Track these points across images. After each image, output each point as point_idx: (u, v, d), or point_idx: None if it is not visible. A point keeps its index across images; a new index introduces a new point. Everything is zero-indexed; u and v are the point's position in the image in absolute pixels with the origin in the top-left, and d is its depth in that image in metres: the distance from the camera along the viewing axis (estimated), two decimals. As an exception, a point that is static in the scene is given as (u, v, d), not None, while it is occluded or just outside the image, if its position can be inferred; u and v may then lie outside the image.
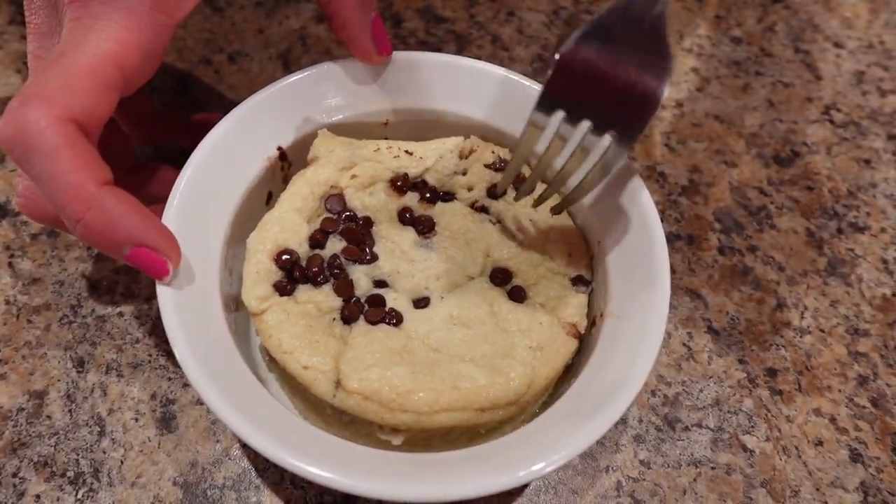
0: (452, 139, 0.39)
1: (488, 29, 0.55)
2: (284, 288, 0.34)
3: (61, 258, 0.43)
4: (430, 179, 0.38)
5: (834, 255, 0.46)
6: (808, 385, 0.41)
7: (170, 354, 0.40)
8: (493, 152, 0.39)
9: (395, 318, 0.34)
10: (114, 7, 0.31)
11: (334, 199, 0.36)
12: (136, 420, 0.38)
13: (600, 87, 0.30)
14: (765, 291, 0.44)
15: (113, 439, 0.37)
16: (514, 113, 0.38)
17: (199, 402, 0.38)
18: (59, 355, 0.40)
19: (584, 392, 0.31)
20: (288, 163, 0.39)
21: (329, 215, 0.36)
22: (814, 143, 0.51)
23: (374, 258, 0.35)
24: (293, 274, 0.34)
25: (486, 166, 0.38)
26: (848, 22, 0.57)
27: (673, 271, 0.44)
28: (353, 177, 0.37)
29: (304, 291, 0.34)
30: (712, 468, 0.38)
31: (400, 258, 0.35)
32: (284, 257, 0.34)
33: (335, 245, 0.35)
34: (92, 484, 0.36)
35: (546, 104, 0.31)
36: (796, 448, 0.39)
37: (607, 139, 0.31)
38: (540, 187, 0.36)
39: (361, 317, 0.34)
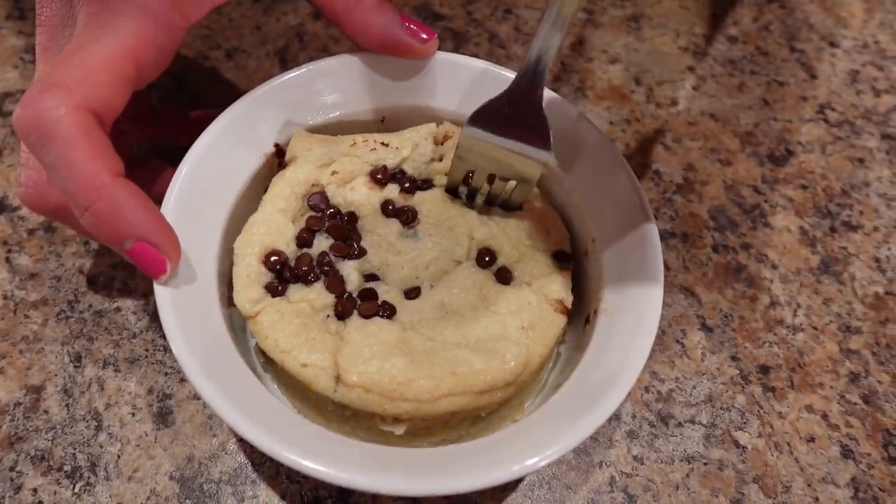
0: (426, 126, 0.39)
1: (485, 27, 0.55)
2: (276, 289, 0.34)
3: (59, 253, 0.43)
4: (408, 169, 0.38)
5: (827, 254, 0.46)
6: (800, 382, 0.41)
7: (167, 349, 0.40)
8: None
9: (389, 311, 0.34)
10: (132, 5, 0.31)
11: (317, 197, 0.37)
12: (133, 415, 0.38)
13: (496, 162, 0.35)
14: (758, 289, 0.44)
15: (110, 434, 0.37)
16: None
17: (196, 397, 0.39)
18: (56, 350, 0.40)
19: (579, 388, 0.32)
20: (284, 159, 0.39)
21: (313, 213, 0.36)
22: (808, 142, 0.51)
23: (363, 252, 0.36)
24: (283, 274, 0.34)
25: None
26: (843, 21, 0.58)
27: (667, 269, 0.45)
28: (334, 173, 0.37)
29: (295, 291, 0.34)
30: (705, 464, 0.38)
31: (387, 250, 0.36)
32: (273, 258, 0.34)
33: (322, 243, 0.36)
34: (89, 478, 0.36)
35: (459, 161, 0.36)
36: (788, 444, 0.39)
37: (529, 147, 0.35)
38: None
39: (355, 312, 0.34)
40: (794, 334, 0.43)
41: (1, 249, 0.43)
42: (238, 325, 0.34)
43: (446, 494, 0.28)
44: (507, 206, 0.38)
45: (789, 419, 0.40)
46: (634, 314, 0.32)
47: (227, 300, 0.35)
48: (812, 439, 0.39)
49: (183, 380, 0.39)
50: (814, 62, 0.55)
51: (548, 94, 0.39)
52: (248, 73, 0.51)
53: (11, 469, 0.36)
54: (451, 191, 0.38)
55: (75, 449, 0.37)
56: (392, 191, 0.37)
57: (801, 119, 0.52)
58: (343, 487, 0.36)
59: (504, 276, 0.36)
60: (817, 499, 0.37)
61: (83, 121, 0.29)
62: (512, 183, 0.36)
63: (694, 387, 0.41)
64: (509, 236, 0.37)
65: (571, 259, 0.37)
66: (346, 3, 0.36)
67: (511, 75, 0.39)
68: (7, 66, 0.50)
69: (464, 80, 0.39)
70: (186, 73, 0.51)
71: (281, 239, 0.35)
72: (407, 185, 0.37)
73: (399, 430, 0.33)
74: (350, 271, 0.35)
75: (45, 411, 0.38)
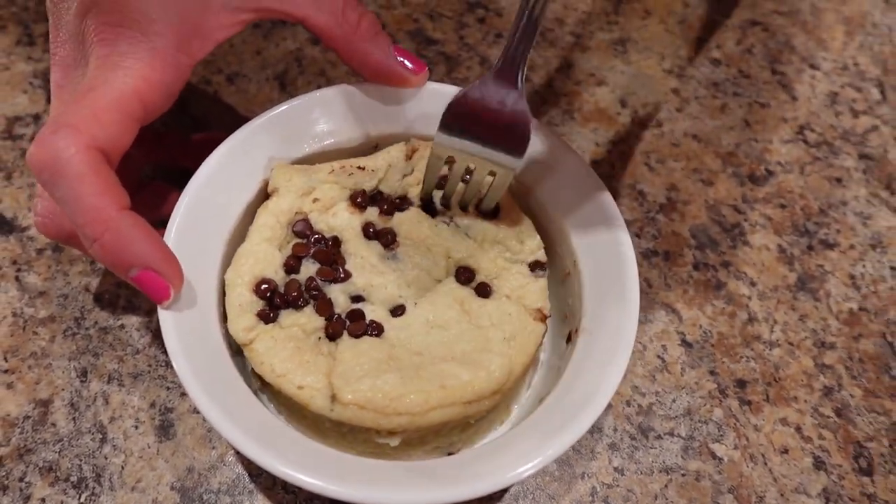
0: (396, 147, 0.41)
1: (477, 51, 0.57)
2: (268, 316, 0.36)
3: (66, 272, 0.45)
4: (385, 189, 0.40)
5: (804, 271, 0.48)
6: (775, 396, 0.43)
7: (169, 365, 0.42)
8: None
9: (377, 329, 0.36)
10: (141, 47, 0.33)
11: (301, 224, 0.38)
12: (136, 427, 0.40)
13: (486, 117, 0.36)
14: (737, 306, 0.46)
15: (114, 446, 0.39)
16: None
17: (196, 411, 0.40)
18: (63, 365, 0.42)
19: (558, 404, 0.34)
20: (268, 190, 0.41)
21: (299, 241, 0.38)
22: (787, 162, 0.53)
23: (348, 275, 0.37)
24: (274, 301, 0.36)
25: None
26: (824, 44, 0.60)
27: (649, 286, 0.46)
28: (315, 200, 0.38)
29: (287, 316, 0.36)
30: (683, 475, 0.40)
31: (371, 272, 0.37)
32: (263, 286, 0.36)
33: (309, 268, 0.37)
34: (94, 488, 0.38)
35: (445, 132, 0.36)
36: (763, 456, 0.41)
37: (500, 154, 0.36)
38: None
39: (345, 332, 0.36)
40: (770, 350, 0.44)
41: (10, 268, 0.45)
42: (236, 345, 0.36)
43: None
44: (481, 209, 0.39)
45: (764, 432, 0.42)
46: (611, 335, 0.34)
47: (224, 319, 0.37)
48: (786, 451, 0.41)
49: (184, 394, 0.41)
50: (795, 84, 0.57)
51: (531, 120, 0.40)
52: (248, 96, 0.54)
53: (20, 480, 0.38)
54: (427, 200, 0.40)
55: (81, 460, 0.39)
56: (372, 214, 0.39)
57: (781, 140, 0.54)
58: (334, 499, 0.38)
59: (484, 291, 0.38)
60: (790, 508, 0.39)
61: (91, 159, 0.31)
62: (488, 178, 0.37)
63: (673, 400, 0.42)
64: (486, 253, 0.39)
65: (546, 267, 0.39)
66: (344, 31, 0.38)
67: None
68: (17, 91, 0.53)
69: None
70: (189, 97, 0.53)
71: (269, 267, 0.37)
72: (385, 206, 0.39)
73: (394, 441, 0.34)
74: (337, 294, 0.37)
75: (53, 424, 0.40)
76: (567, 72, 0.56)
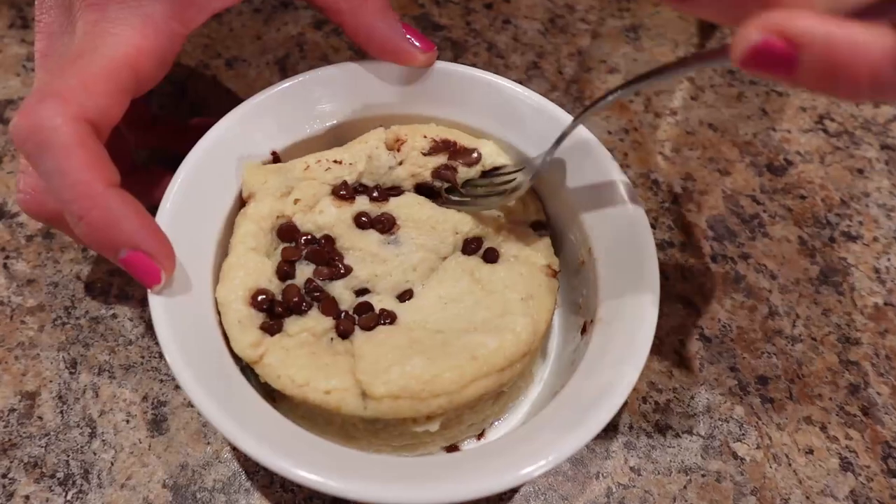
0: (373, 133, 0.39)
1: (484, 37, 0.55)
2: (272, 327, 0.33)
3: (56, 260, 0.43)
4: (368, 182, 0.38)
5: (826, 264, 0.46)
6: (799, 393, 0.41)
7: (162, 357, 0.40)
8: (424, 136, 0.38)
9: (389, 318, 0.34)
10: (131, 13, 0.31)
11: (286, 228, 0.36)
12: (128, 422, 0.38)
13: None
14: (757, 299, 0.44)
15: (104, 441, 0.37)
16: (502, 117, 0.39)
17: (191, 405, 0.38)
18: (52, 356, 0.40)
19: (571, 400, 0.31)
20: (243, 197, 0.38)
21: (287, 245, 0.36)
22: (807, 152, 0.51)
23: (349, 270, 0.35)
24: (275, 310, 0.34)
25: (424, 154, 0.38)
26: (842, 32, 0.58)
27: (665, 278, 0.44)
28: (297, 201, 0.36)
29: (292, 323, 0.34)
30: (702, 475, 0.38)
31: (373, 262, 0.36)
32: (260, 298, 0.34)
33: (305, 270, 0.35)
34: (82, 485, 0.36)
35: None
36: (787, 456, 0.39)
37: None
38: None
39: (356, 327, 0.34)
40: (792, 345, 0.42)
41: (-1, 256, 0.43)
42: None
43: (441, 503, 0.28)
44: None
45: (788, 431, 0.40)
46: (630, 325, 0.32)
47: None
48: (811, 451, 0.39)
49: (178, 387, 0.39)
50: (813, 73, 0.55)
51: (545, 102, 0.39)
52: (248, 81, 0.52)
53: (4, 476, 0.36)
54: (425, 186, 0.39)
55: (69, 456, 0.37)
56: (362, 203, 0.37)
57: (800, 129, 0.52)
58: (337, 497, 0.36)
59: (492, 256, 0.37)
60: (816, 511, 0.37)
61: (79, 130, 0.29)
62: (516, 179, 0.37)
63: (692, 397, 0.40)
64: (492, 222, 0.38)
65: (548, 226, 0.38)
66: (350, 4, 0.36)
67: (508, 84, 0.39)
68: (9, 74, 0.51)
69: (462, 89, 0.39)
70: (187, 82, 0.51)
71: (262, 277, 0.34)
72: (375, 194, 0.37)
73: (434, 426, 0.33)
74: (341, 291, 0.35)
75: (40, 417, 0.38)
76: (578, 59, 0.55)
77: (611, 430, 0.39)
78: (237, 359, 0.33)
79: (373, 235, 0.36)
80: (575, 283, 0.38)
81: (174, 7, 0.32)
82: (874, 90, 0.23)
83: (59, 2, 0.33)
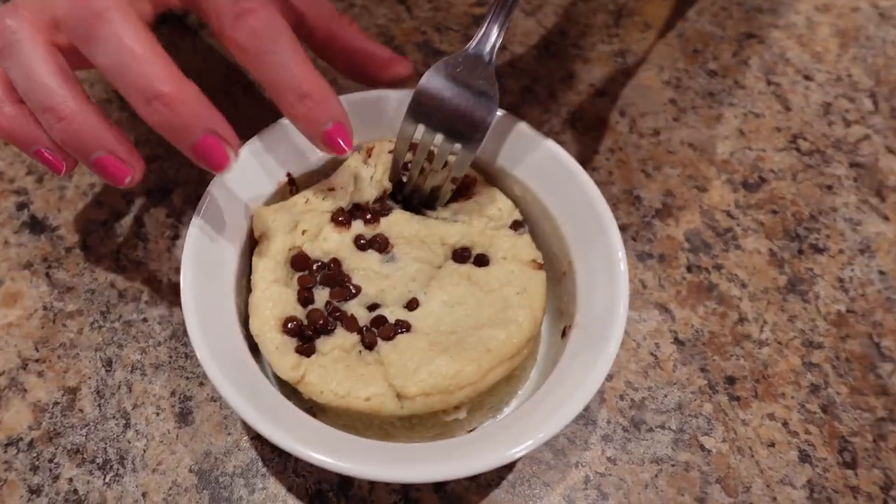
0: (351, 156, 0.43)
1: (482, 62, 0.59)
2: (307, 349, 0.37)
3: (92, 269, 0.48)
4: (361, 199, 0.42)
5: (794, 274, 0.50)
6: (763, 392, 0.45)
7: (188, 356, 0.44)
8: (390, 141, 0.43)
9: (405, 327, 0.38)
10: None
11: (298, 258, 0.40)
12: (158, 414, 0.43)
13: (446, 111, 0.39)
14: (728, 306, 0.48)
15: (137, 431, 0.42)
16: (501, 145, 0.43)
17: (213, 399, 0.43)
18: (90, 356, 0.44)
19: (550, 393, 0.36)
20: (296, 186, 0.43)
21: (301, 274, 0.40)
22: (780, 169, 0.55)
23: (359, 289, 0.39)
24: (305, 334, 0.38)
25: (390, 152, 0.43)
26: (818, 56, 0.62)
27: (644, 287, 0.49)
28: (304, 232, 0.40)
29: (323, 343, 0.38)
30: (672, 465, 0.42)
31: (377, 279, 0.40)
32: (290, 325, 0.38)
33: (322, 294, 0.39)
34: (118, 470, 0.41)
35: (410, 119, 0.40)
36: (750, 448, 0.43)
37: (457, 146, 0.39)
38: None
39: (378, 339, 0.38)
40: (759, 348, 0.46)
41: (41, 265, 0.48)
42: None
43: (433, 481, 0.32)
44: (442, 192, 0.42)
45: (752, 426, 0.44)
46: (601, 330, 0.36)
47: (244, 316, 0.39)
48: (772, 444, 0.43)
49: (202, 383, 0.43)
50: (789, 94, 0.59)
51: (527, 127, 0.43)
52: (265, 105, 0.56)
53: (50, 461, 0.41)
54: (402, 193, 0.42)
55: (106, 444, 0.41)
56: (358, 227, 0.41)
57: (774, 148, 0.56)
58: (342, 481, 0.40)
59: (483, 260, 0.41)
60: (775, 498, 0.41)
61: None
62: (456, 147, 0.39)
63: (665, 395, 0.44)
64: (475, 228, 0.42)
65: (525, 223, 0.43)
66: (325, 18, 0.41)
67: (507, 116, 0.43)
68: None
69: None
70: (208, 106, 0.56)
71: (288, 306, 0.38)
72: (369, 216, 0.41)
73: (462, 414, 0.37)
74: (356, 309, 0.39)
75: (80, 410, 0.43)
76: (569, 82, 0.59)
77: (590, 424, 0.43)
78: (280, 383, 0.38)
79: (373, 255, 0.40)
80: (558, 290, 0.43)
81: None
82: None
83: None
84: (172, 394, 0.43)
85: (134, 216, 0.50)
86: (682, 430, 0.43)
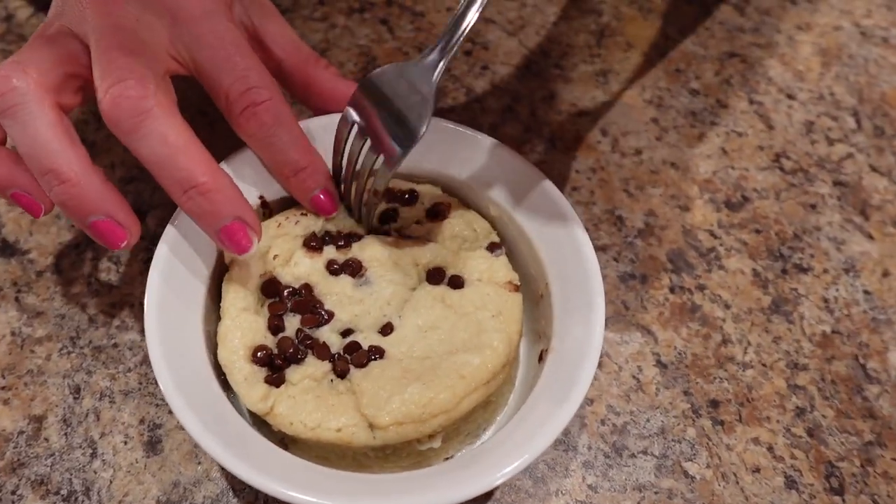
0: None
1: (463, 82, 0.59)
2: (276, 379, 0.36)
3: (64, 294, 0.47)
4: (332, 227, 0.42)
5: (778, 295, 0.49)
6: (748, 416, 0.44)
7: (157, 383, 0.43)
8: None
9: (378, 353, 0.38)
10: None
11: (270, 284, 0.39)
12: (125, 443, 0.41)
13: (380, 114, 0.38)
14: (711, 328, 0.47)
15: (104, 460, 0.41)
16: (477, 166, 0.42)
17: (183, 427, 0.42)
18: (58, 383, 0.43)
19: (527, 417, 0.35)
20: (269, 209, 0.43)
21: (272, 300, 0.39)
22: (763, 188, 0.54)
23: (331, 315, 0.39)
24: (275, 364, 0.37)
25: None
26: (801, 75, 0.61)
27: (626, 308, 0.48)
28: (275, 256, 0.40)
29: (293, 372, 0.37)
30: (655, 493, 0.41)
31: (350, 303, 0.39)
32: (259, 354, 0.37)
33: (293, 322, 0.38)
34: (83, 501, 0.39)
35: (348, 115, 0.39)
36: (734, 475, 0.42)
37: (380, 160, 0.38)
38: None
39: (351, 367, 0.37)
40: (743, 371, 0.46)
41: (11, 289, 0.47)
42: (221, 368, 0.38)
43: None
44: (368, 206, 0.41)
45: (736, 451, 0.42)
46: (576, 355, 0.36)
47: (213, 339, 0.39)
48: (757, 470, 0.42)
49: (172, 411, 0.42)
50: (771, 113, 0.59)
51: (503, 147, 0.42)
52: (242, 126, 0.56)
53: (13, 493, 0.40)
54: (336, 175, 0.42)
55: (72, 474, 0.40)
56: (330, 251, 0.41)
57: (757, 167, 0.55)
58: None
59: (457, 283, 0.40)
60: (760, 527, 0.40)
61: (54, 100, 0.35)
62: (380, 160, 0.38)
63: (648, 420, 0.43)
64: (448, 249, 0.41)
65: (502, 245, 0.42)
66: (300, 58, 0.43)
67: (483, 137, 0.42)
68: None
69: (438, 140, 0.42)
70: (186, 127, 0.56)
71: (257, 334, 0.38)
72: (341, 242, 0.41)
73: (436, 443, 0.36)
74: (328, 335, 0.38)
75: (46, 439, 0.41)
76: (550, 102, 0.59)
77: (570, 449, 0.42)
78: (252, 413, 0.36)
79: (346, 280, 0.40)
80: (536, 314, 0.42)
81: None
82: None
83: None
84: (141, 421, 0.42)
85: (107, 239, 0.49)
86: (665, 456, 0.42)
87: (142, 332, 0.45)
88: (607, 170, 0.55)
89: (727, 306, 0.48)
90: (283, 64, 0.42)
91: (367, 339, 0.38)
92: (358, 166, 0.39)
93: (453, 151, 0.42)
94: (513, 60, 0.61)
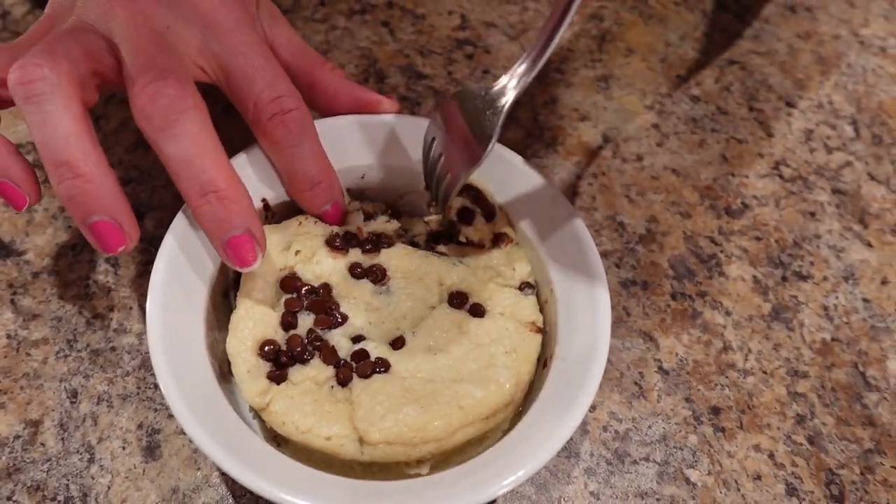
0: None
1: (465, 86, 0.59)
2: (278, 376, 0.36)
3: (60, 296, 0.46)
4: (353, 228, 0.41)
5: (778, 302, 0.49)
6: (749, 423, 0.44)
7: (157, 387, 0.43)
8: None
9: (383, 366, 0.37)
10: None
11: (289, 280, 0.39)
12: (124, 448, 0.41)
13: (452, 135, 0.39)
14: (712, 335, 0.47)
15: (101, 466, 0.40)
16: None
17: (182, 432, 0.41)
18: (54, 387, 0.43)
19: (532, 425, 0.35)
20: (272, 212, 0.42)
21: (289, 296, 0.39)
22: (763, 196, 0.55)
23: (345, 318, 0.38)
24: (280, 360, 0.37)
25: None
26: (800, 83, 0.62)
27: (627, 314, 0.48)
28: (297, 252, 0.40)
29: (296, 372, 0.36)
30: (657, 500, 0.41)
31: (366, 310, 0.39)
32: (267, 348, 0.37)
33: (306, 320, 0.38)
34: (80, 507, 0.39)
35: (431, 130, 0.40)
36: (736, 482, 0.42)
37: (447, 178, 0.39)
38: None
39: (354, 375, 0.37)
40: (744, 378, 0.46)
41: (6, 291, 0.46)
42: (225, 366, 0.37)
43: None
44: (440, 200, 0.41)
45: (738, 458, 0.43)
46: (581, 365, 0.35)
47: (214, 347, 0.38)
48: (759, 477, 0.42)
49: (171, 416, 0.42)
50: (771, 121, 0.59)
51: (506, 151, 0.42)
52: (244, 127, 0.55)
53: (9, 499, 0.39)
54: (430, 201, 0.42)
55: (69, 480, 0.40)
56: (355, 254, 0.40)
57: (757, 174, 0.56)
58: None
59: (478, 311, 0.39)
60: (762, 534, 0.40)
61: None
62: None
63: (649, 427, 0.43)
64: (478, 277, 0.40)
65: (535, 286, 0.41)
66: (323, 73, 0.43)
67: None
68: (19, 119, 0.54)
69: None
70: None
71: (269, 328, 0.37)
72: (369, 246, 0.41)
73: (424, 469, 0.36)
74: (339, 338, 0.38)
75: (42, 444, 0.41)
76: (552, 107, 0.58)
77: (573, 456, 0.42)
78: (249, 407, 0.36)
79: (367, 285, 0.39)
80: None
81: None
82: None
83: None
84: (140, 426, 0.42)
85: (105, 241, 0.48)
86: (667, 463, 0.42)
87: (140, 335, 0.45)
88: (608, 175, 0.55)
89: (728, 313, 0.48)
90: (289, 67, 0.42)
91: (376, 348, 0.38)
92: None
93: None
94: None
